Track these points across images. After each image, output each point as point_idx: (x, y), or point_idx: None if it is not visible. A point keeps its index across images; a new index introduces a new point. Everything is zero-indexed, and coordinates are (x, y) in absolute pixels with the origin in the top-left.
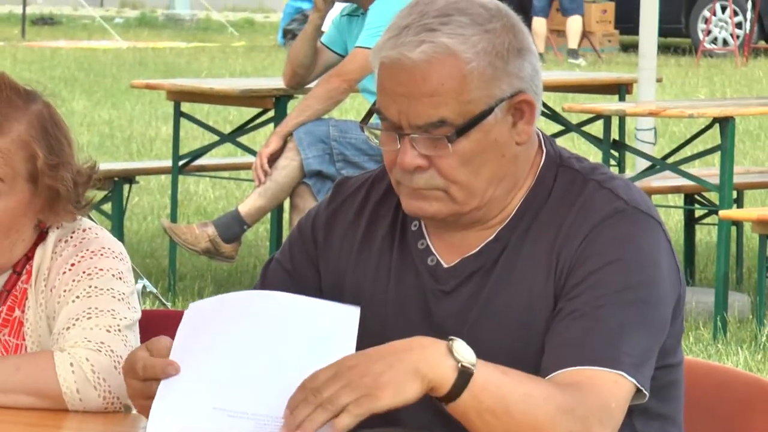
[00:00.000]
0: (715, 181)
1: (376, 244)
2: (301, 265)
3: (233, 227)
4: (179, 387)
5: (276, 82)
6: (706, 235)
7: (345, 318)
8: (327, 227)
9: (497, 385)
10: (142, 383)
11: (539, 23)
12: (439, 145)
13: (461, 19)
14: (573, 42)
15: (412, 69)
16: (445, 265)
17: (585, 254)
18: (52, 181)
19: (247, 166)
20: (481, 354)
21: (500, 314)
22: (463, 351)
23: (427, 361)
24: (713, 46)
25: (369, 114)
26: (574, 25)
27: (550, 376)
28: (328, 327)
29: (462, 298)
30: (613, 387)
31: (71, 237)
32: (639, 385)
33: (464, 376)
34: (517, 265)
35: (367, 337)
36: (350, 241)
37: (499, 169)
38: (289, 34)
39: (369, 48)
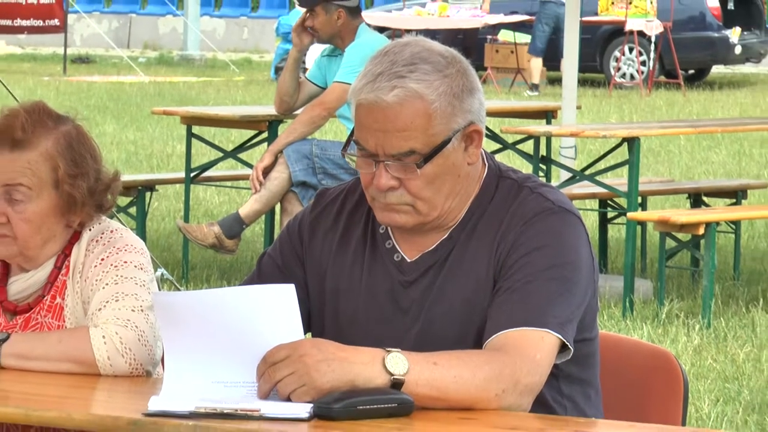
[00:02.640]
0: (624, 189)
1: (352, 244)
2: (288, 260)
3: (234, 226)
4: (181, 368)
5: (269, 110)
6: (616, 232)
7: (284, 295)
8: (311, 229)
9: (427, 378)
10: None
11: (537, 62)
12: (409, 169)
13: (425, 67)
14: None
15: (386, 109)
16: (409, 260)
17: (518, 243)
18: (71, 189)
19: (245, 177)
20: (434, 332)
21: (450, 298)
22: (396, 364)
23: (363, 376)
24: (623, 80)
25: (348, 143)
26: (534, 65)
27: (486, 341)
28: (273, 304)
29: (422, 287)
30: (539, 342)
31: (101, 237)
32: (564, 339)
33: (397, 384)
34: (465, 257)
35: (345, 321)
36: (330, 242)
37: (455, 186)
38: (279, 71)
39: (345, 82)
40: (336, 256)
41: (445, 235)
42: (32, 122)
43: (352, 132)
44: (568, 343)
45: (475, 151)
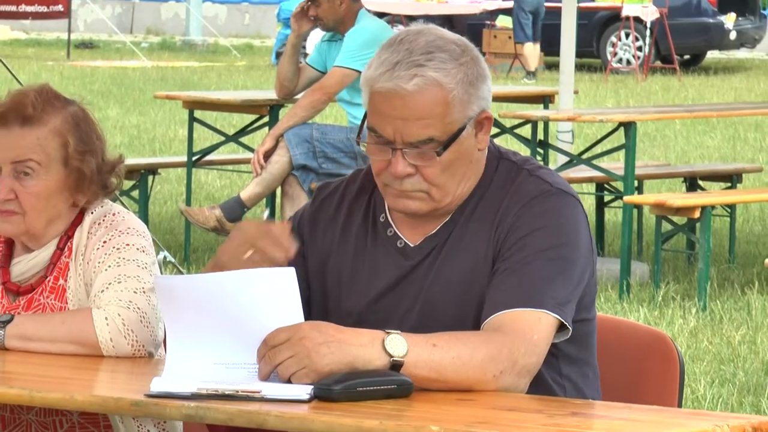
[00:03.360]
0: (621, 172)
1: (353, 233)
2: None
3: (236, 209)
4: (183, 350)
5: (270, 94)
6: (613, 216)
7: (284, 278)
8: (311, 224)
9: (426, 360)
10: (238, 247)
11: (529, 48)
12: (426, 157)
13: (442, 56)
14: (533, 64)
15: (405, 97)
16: (412, 245)
17: (517, 224)
18: (79, 164)
19: (247, 161)
20: (433, 312)
21: (449, 279)
22: (396, 346)
23: (363, 358)
24: (619, 65)
25: (361, 130)
26: (527, 51)
27: (485, 321)
28: (274, 287)
29: (423, 270)
30: (536, 323)
31: (104, 219)
32: (562, 320)
33: (396, 366)
34: (464, 238)
35: (346, 312)
36: (331, 233)
37: (467, 171)
38: (280, 56)
39: (345, 67)
40: (339, 246)
41: (448, 218)
42: (42, 100)
43: (364, 119)
44: (566, 323)
45: (484, 137)
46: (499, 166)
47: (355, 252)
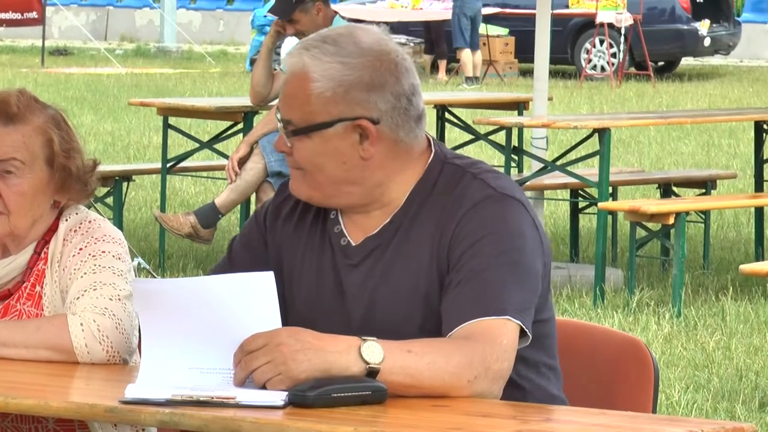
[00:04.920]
0: (595, 179)
1: (305, 229)
2: (255, 243)
3: (210, 216)
4: (158, 354)
5: (245, 101)
6: (587, 222)
7: (262, 282)
8: (273, 216)
9: (402, 366)
10: None
11: (467, 54)
12: (288, 139)
13: (329, 48)
14: (470, 71)
15: (285, 74)
16: (354, 244)
17: (462, 234)
18: (66, 161)
19: (221, 168)
20: (378, 315)
21: (393, 282)
22: (372, 353)
23: (339, 365)
24: (593, 71)
25: None
26: (476, 57)
27: (450, 333)
28: (251, 292)
29: (365, 270)
30: (502, 329)
31: (79, 227)
32: (523, 326)
33: (372, 373)
34: (408, 241)
35: (298, 306)
36: (287, 227)
37: (342, 174)
38: (254, 63)
39: None
40: (291, 241)
41: (388, 219)
42: (25, 100)
43: None
44: (527, 330)
45: (370, 148)
46: (443, 169)
47: (304, 248)
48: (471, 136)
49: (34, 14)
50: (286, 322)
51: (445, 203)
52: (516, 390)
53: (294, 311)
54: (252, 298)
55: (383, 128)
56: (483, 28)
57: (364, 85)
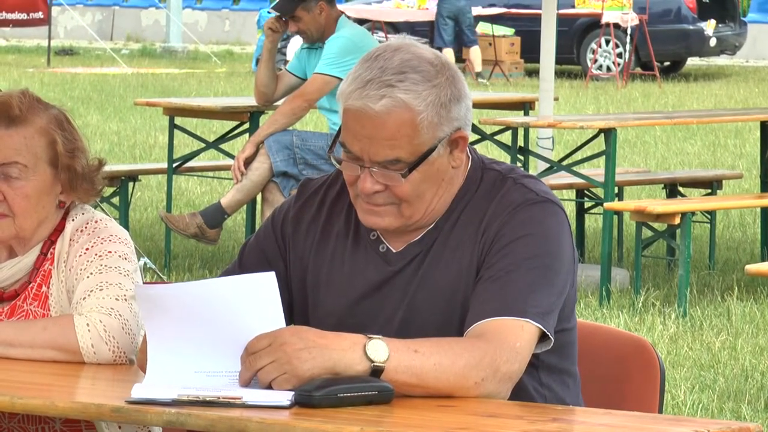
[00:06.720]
0: (601, 179)
1: (333, 235)
2: (270, 252)
3: (216, 216)
4: (164, 358)
5: (250, 101)
6: (593, 222)
7: (264, 283)
8: (294, 222)
9: (407, 365)
10: None
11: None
12: (394, 177)
13: (414, 77)
14: (478, 66)
15: (374, 117)
16: (395, 251)
17: (501, 233)
18: (70, 161)
19: (227, 168)
20: (417, 319)
21: (434, 286)
22: (377, 351)
23: (343, 362)
24: (599, 71)
25: (334, 143)
26: (474, 53)
27: (468, 329)
28: (254, 293)
29: (407, 276)
30: (519, 331)
31: (86, 227)
32: (544, 329)
33: (377, 371)
34: (449, 246)
35: (324, 313)
36: (313, 232)
37: (440, 189)
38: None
39: (325, 74)
40: (318, 247)
41: (431, 226)
42: (27, 102)
43: (338, 133)
44: (548, 333)
45: (460, 155)
46: (483, 175)
47: (333, 254)
48: (477, 136)
49: (40, 14)
50: (304, 324)
51: (486, 207)
52: (536, 399)
53: (321, 318)
54: (255, 299)
55: (467, 134)
56: (489, 28)
57: (454, 98)
